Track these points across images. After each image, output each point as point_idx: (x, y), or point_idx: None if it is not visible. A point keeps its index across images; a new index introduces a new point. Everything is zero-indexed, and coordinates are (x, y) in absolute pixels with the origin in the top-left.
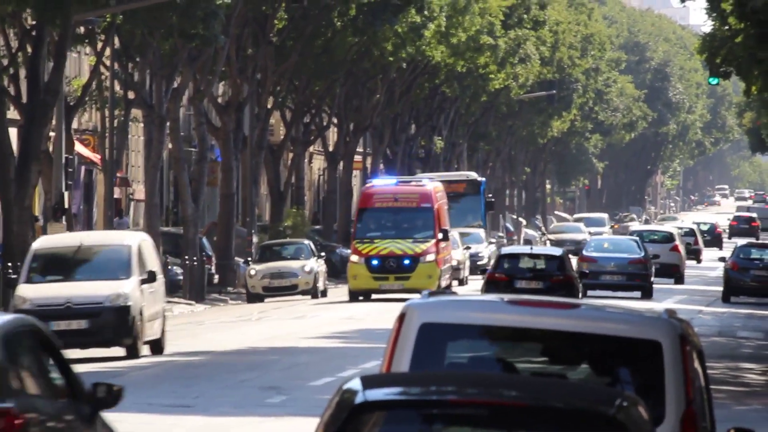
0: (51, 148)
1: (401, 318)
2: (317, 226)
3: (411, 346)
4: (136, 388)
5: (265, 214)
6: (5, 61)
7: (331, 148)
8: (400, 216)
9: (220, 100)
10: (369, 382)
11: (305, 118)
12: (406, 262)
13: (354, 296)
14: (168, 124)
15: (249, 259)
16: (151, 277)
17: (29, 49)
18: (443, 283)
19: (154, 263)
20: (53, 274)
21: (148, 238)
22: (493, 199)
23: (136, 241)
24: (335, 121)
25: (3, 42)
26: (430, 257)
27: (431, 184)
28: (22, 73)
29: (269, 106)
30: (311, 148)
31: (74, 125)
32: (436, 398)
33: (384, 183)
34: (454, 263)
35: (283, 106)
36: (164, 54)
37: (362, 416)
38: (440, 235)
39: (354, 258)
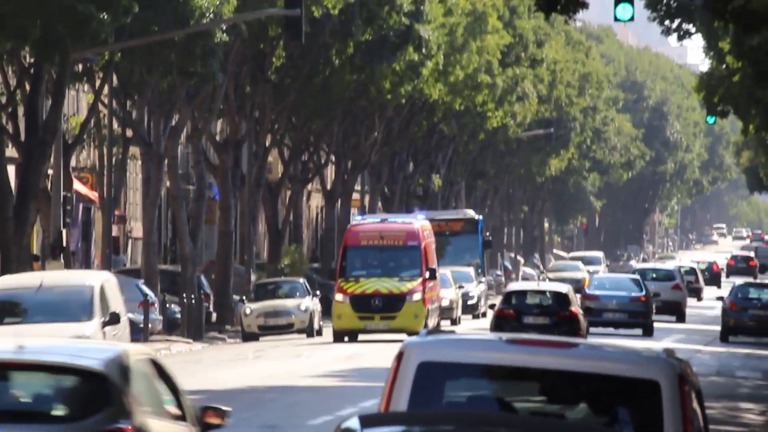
0: (49, 186)
1: (399, 357)
2: (315, 264)
3: (409, 384)
4: None
5: (263, 252)
6: (4, 99)
7: (329, 186)
8: (386, 254)
9: (218, 137)
10: (367, 421)
11: (303, 156)
12: (392, 301)
13: (338, 336)
14: (166, 161)
15: (244, 297)
16: (113, 319)
17: (27, 87)
18: (431, 323)
19: (117, 304)
20: (10, 316)
21: (112, 278)
22: (490, 238)
23: (99, 280)
24: (333, 158)
25: (1, 80)
26: (417, 296)
27: (418, 222)
28: (21, 111)
29: (267, 144)
30: (309, 186)
31: (72, 163)
32: None
33: (370, 221)
34: (446, 302)
35: (281, 144)
36: (162, 92)
37: None
38: (427, 274)
39: (338, 297)
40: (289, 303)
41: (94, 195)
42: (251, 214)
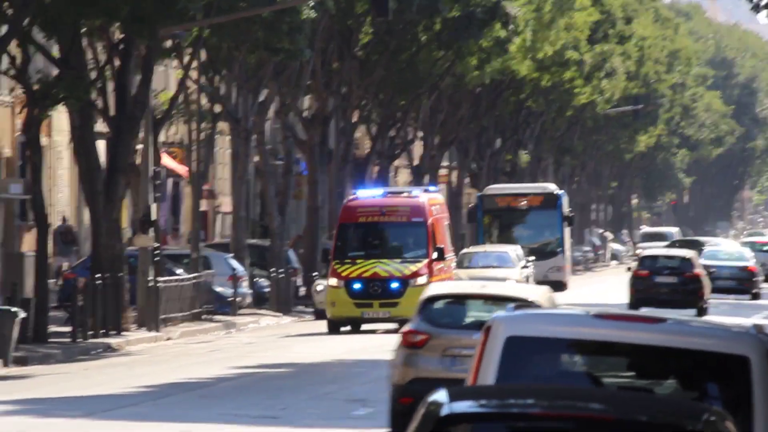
0: (138, 161)
1: (487, 331)
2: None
3: (497, 359)
4: (223, 399)
5: None
6: (93, 75)
7: (416, 162)
8: (387, 232)
9: (305, 113)
10: (455, 394)
11: (390, 132)
12: (394, 285)
13: (333, 327)
14: (254, 137)
15: (315, 274)
16: None
17: (117, 63)
18: None
19: None
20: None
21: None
22: (572, 214)
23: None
24: (420, 134)
25: (91, 56)
26: (422, 280)
27: (426, 195)
28: (110, 86)
29: (354, 120)
30: (396, 162)
31: (161, 138)
32: (521, 411)
33: (369, 195)
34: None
35: (368, 120)
36: (250, 67)
37: (447, 428)
38: (435, 254)
39: (332, 281)
40: None
41: (182, 170)
42: (338, 189)
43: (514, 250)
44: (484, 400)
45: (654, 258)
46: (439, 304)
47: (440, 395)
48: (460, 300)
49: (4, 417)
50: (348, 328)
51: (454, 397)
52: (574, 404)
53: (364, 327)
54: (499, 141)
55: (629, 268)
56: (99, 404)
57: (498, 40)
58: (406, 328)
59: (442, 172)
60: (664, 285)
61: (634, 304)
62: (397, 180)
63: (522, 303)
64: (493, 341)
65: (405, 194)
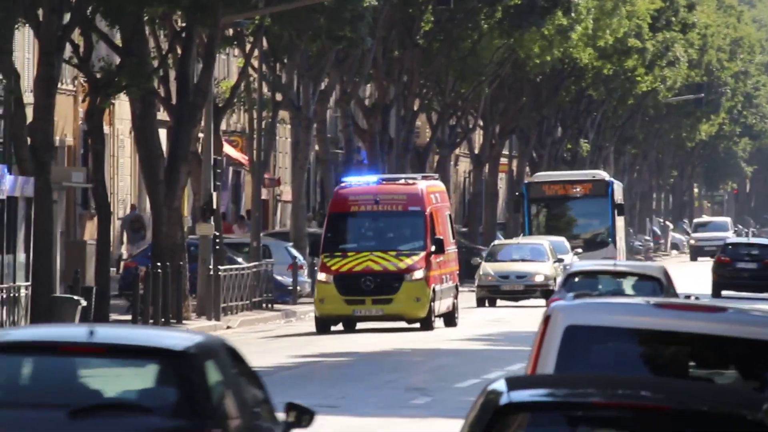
0: (200, 149)
1: (546, 320)
2: (463, 228)
3: (556, 348)
4: (283, 387)
5: None
6: (155, 63)
7: (476, 151)
8: (381, 223)
9: (366, 102)
10: (514, 383)
11: (451, 121)
12: (387, 280)
13: (322, 326)
14: (315, 125)
15: None
16: None
17: (179, 51)
18: (439, 308)
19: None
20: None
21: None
22: (622, 202)
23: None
24: (481, 123)
25: (153, 44)
26: (419, 274)
27: (424, 182)
28: (172, 74)
29: (415, 108)
30: (457, 151)
31: (222, 126)
32: (580, 400)
33: (362, 182)
34: (540, 278)
35: (429, 108)
36: (311, 56)
37: (507, 417)
38: (433, 247)
39: (321, 276)
40: None
41: (243, 158)
42: None
43: (548, 243)
44: (543, 389)
45: (736, 245)
46: (578, 278)
47: (499, 384)
48: (593, 275)
49: None
50: (339, 327)
51: (513, 386)
52: (633, 394)
53: (360, 325)
54: (559, 130)
55: (714, 257)
56: None
57: (560, 28)
58: (553, 297)
59: (503, 161)
60: (745, 270)
61: (717, 288)
62: (458, 168)
63: (643, 277)
64: (552, 330)
65: (401, 181)
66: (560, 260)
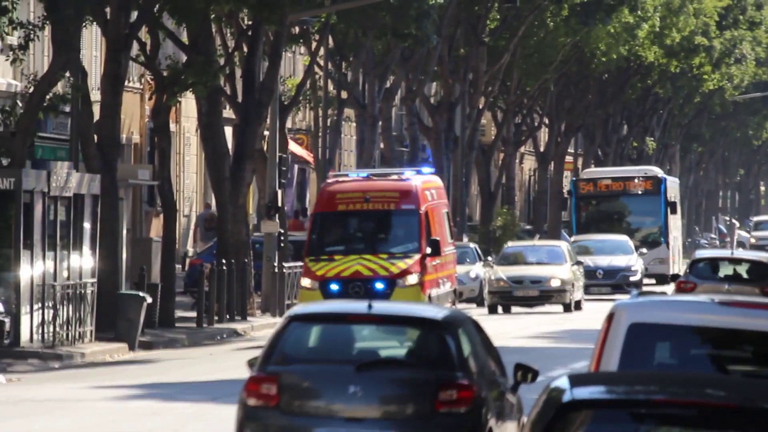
0: (265, 147)
1: (610, 318)
2: (528, 227)
3: (619, 345)
4: None
5: (475, 213)
6: (221, 61)
7: (542, 149)
8: (371, 223)
9: (432, 99)
10: (577, 380)
11: (516, 118)
12: (378, 286)
13: None
14: (380, 123)
15: None
16: None
17: (245, 49)
18: None
19: None
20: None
21: None
22: (676, 200)
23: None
24: (546, 121)
25: (220, 41)
26: (412, 279)
27: (419, 178)
28: (238, 72)
29: (480, 107)
30: (522, 148)
31: (288, 124)
32: (643, 398)
33: (351, 178)
34: (556, 283)
35: (494, 106)
36: (377, 54)
37: (569, 414)
38: (429, 249)
39: (305, 282)
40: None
41: (309, 156)
42: (464, 176)
43: (566, 245)
44: (606, 386)
45: None
46: (701, 264)
47: (562, 382)
48: (714, 261)
49: (131, 401)
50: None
51: (576, 384)
52: (697, 391)
53: None
54: (625, 127)
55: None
56: (224, 389)
57: (626, 26)
58: (680, 281)
59: (568, 158)
60: None
61: None
62: (523, 167)
63: (756, 263)
64: (616, 328)
65: (394, 177)
66: (579, 263)
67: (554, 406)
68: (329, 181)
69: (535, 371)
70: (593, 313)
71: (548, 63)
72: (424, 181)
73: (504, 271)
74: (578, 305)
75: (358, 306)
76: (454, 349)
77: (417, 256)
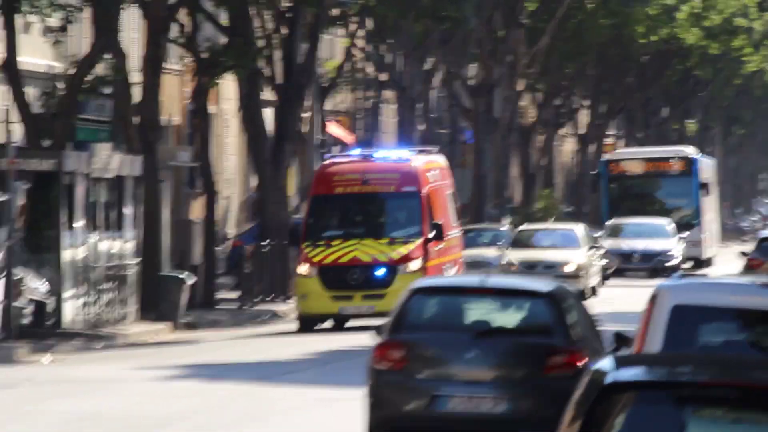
0: (305, 129)
1: (653, 300)
2: (568, 209)
3: (663, 327)
4: None
5: (515, 195)
6: (261, 43)
7: (582, 131)
8: (371, 206)
9: (471, 82)
10: (620, 362)
11: (556, 101)
12: (379, 272)
13: (306, 324)
14: (419, 105)
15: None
16: None
17: (284, 31)
18: None
19: None
20: None
21: None
22: (709, 181)
23: None
24: (586, 103)
25: (259, 24)
26: (415, 265)
27: (421, 158)
28: (277, 55)
29: (520, 89)
30: (562, 131)
31: (327, 106)
32: (686, 379)
33: (349, 159)
34: (570, 268)
35: (533, 89)
36: (416, 36)
37: (612, 396)
38: (432, 233)
39: (302, 269)
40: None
41: (348, 138)
42: (504, 158)
43: (583, 227)
44: (650, 367)
45: None
46: (766, 243)
47: (605, 363)
48: None
49: (175, 380)
50: (328, 324)
51: (619, 365)
52: (740, 373)
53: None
54: (666, 110)
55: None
56: (267, 369)
57: (666, 8)
58: (750, 257)
59: (608, 140)
60: None
61: None
62: (563, 149)
63: None
64: (659, 309)
65: (394, 157)
66: (595, 246)
67: (597, 387)
68: (326, 162)
69: (630, 340)
70: (607, 301)
71: (588, 45)
72: (426, 162)
73: (516, 256)
74: (594, 291)
75: (473, 279)
76: (561, 319)
77: (419, 241)
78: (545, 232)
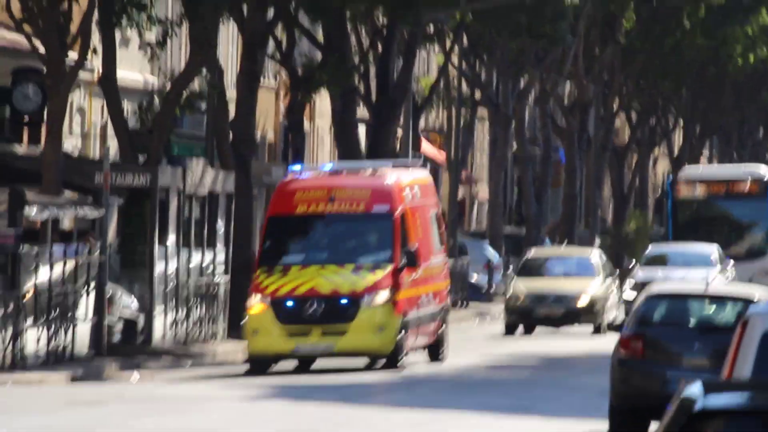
0: (398, 147)
1: (744, 325)
2: (661, 230)
3: (753, 353)
4: (474, 388)
5: (607, 216)
6: (356, 60)
7: (676, 152)
8: (336, 227)
9: (566, 100)
10: (710, 387)
11: (651, 120)
12: (341, 304)
13: (256, 366)
14: (513, 123)
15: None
16: None
17: (380, 48)
18: (414, 342)
19: None
20: None
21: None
22: None
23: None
24: (681, 123)
25: (354, 40)
26: (382, 296)
27: (396, 173)
28: (372, 71)
29: (615, 108)
30: (656, 151)
31: (421, 124)
32: None
33: (313, 173)
34: (583, 302)
35: (628, 108)
36: (511, 53)
37: (701, 423)
38: (404, 260)
39: (254, 300)
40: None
41: (441, 156)
42: (597, 177)
43: (597, 254)
44: (740, 394)
45: None
46: None
47: (695, 389)
48: None
49: (262, 400)
50: (289, 365)
51: (708, 391)
52: None
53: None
54: (761, 130)
55: None
56: (352, 391)
57: (763, 28)
58: None
59: (703, 162)
60: None
61: None
62: (657, 170)
63: None
64: (750, 335)
65: (366, 171)
66: (615, 274)
67: (686, 413)
68: (287, 179)
69: None
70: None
71: (684, 64)
72: (403, 178)
73: (524, 286)
74: (612, 327)
75: (697, 287)
76: None
77: (389, 269)
78: (558, 258)
